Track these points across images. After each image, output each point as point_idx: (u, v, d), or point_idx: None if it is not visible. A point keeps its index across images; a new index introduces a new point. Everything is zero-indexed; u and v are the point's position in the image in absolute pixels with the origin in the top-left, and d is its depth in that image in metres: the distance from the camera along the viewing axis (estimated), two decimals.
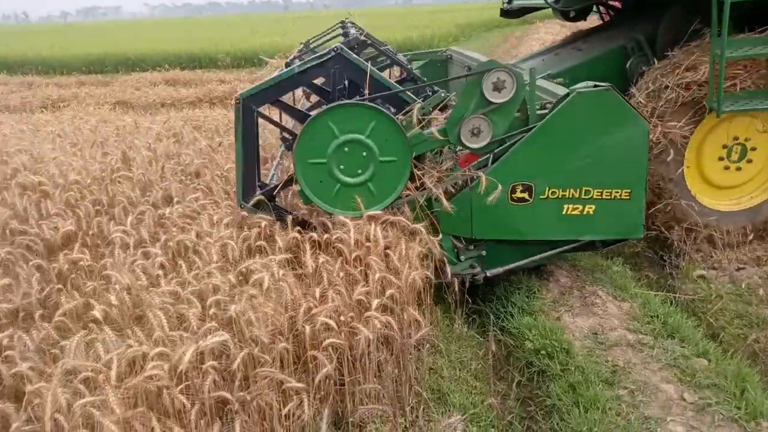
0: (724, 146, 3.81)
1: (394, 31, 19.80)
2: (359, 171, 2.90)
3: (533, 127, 2.91)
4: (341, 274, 2.68)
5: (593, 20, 6.02)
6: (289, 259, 2.80)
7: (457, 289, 3.05)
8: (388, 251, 2.71)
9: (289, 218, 2.97)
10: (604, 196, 2.95)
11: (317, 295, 2.51)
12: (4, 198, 3.77)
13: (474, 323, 3.41)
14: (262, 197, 3.07)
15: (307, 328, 2.29)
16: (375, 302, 2.47)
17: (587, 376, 2.65)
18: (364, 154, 2.86)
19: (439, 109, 3.28)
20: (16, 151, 4.73)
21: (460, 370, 2.93)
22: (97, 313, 2.35)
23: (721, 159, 3.84)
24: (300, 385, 2.16)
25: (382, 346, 2.61)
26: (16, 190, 3.86)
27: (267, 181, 3.43)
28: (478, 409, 2.63)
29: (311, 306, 2.41)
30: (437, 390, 2.74)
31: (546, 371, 2.78)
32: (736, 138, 3.78)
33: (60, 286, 2.76)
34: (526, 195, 2.97)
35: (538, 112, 2.97)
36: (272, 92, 2.99)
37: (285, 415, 2.17)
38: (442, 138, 2.92)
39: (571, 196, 2.96)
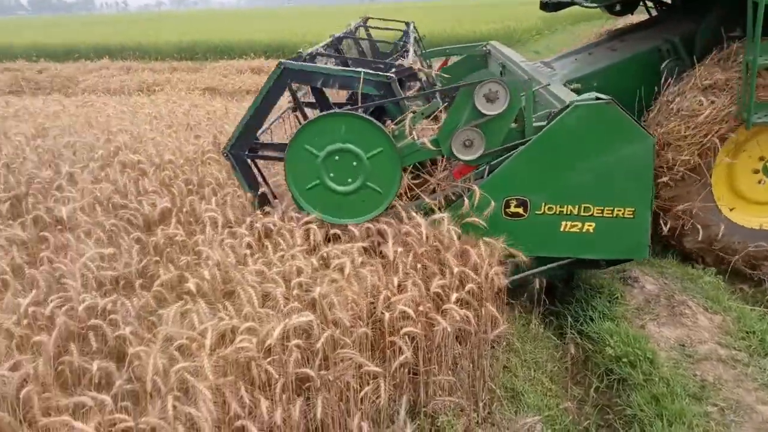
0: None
1: (479, 24, 19.47)
2: (355, 176, 2.87)
3: (530, 140, 2.80)
4: (418, 266, 2.71)
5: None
6: (366, 247, 2.86)
7: (536, 288, 2.99)
8: (467, 247, 2.70)
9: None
10: (605, 214, 2.79)
11: (395, 283, 2.55)
12: (107, 174, 4.07)
13: (551, 325, 3.33)
14: (266, 191, 3.22)
15: (387, 315, 2.33)
16: (454, 296, 2.48)
17: (672, 388, 2.53)
18: (353, 160, 2.84)
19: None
20: (118, 131, 5.09)
21: (534, 370, 2.87)
22: (191, 285, 2.50)
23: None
24: (378, 369, 2.20)
25: (458, 340, 2.62)
26: (118, 167, 4.15)
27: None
28: (553, 412, 2.57)
29: (390, 294, 2.44)
30: (511, 389, 2.71)
31: (627, 380, 2.67)
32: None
33: (157, 258, 2.95)
34: (520, 210, 2.85)
35: (535, 124, 2.87)
36: (315, 78, 3.04)
37: (361, 398, 2.22)
38: (434, 149, 2.86)
39: (569, 213, 2.82)
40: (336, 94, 4.25)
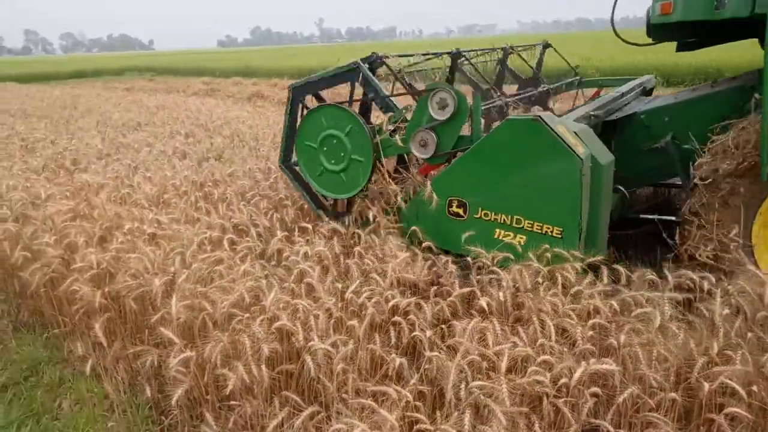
0: None
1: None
2: (342, 154, 3.42)
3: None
4: (748, 334, 2.25)
5: None
6: (680, 300, 2.51)
7: None
8: None
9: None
10: (534, 229, 2.82)
11: (715, 349, 2.16)
12: None
13: None
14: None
15: (705, 385, 1.98)
16: None
17: None
18: (337, 142, 3.41)
19: None
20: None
21: None
22: (483, 303, 2.54)
23: None
24: None
25: None
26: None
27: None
28: None
29: (711, 361, 2.08)
30: None
31: None
32: None
33: (445, 269, 3.09)
34: (461, 211, 3.02)
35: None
36: (311, 87, 3.66)
37: None
38: (402, 146, 3.23)
39: (502, 222, 2.91)
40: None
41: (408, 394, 1.99)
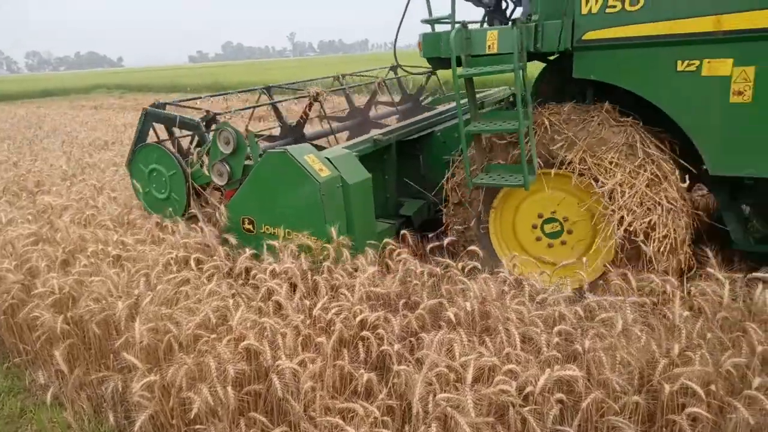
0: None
1: None
2: (159, 191, 4.06)
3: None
4: (708, 335, 2.31)
5: None
6: (641, 303, 2.56)
7: None
8: None
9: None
10: (300, 239, 3.30)
11: (676, 351, 2.21)
12: None
13: None
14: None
15: (666, 387, 2.02)
16: (756, 381, 2.03)
17: None
18: (162, 176, 3.99)
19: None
20: None
21: None
22: (450, 314, 2.55)
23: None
24: None
25: None
26: None
27: None
28: None
29: (672, 363, 2.12)
30: None
31: None
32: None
33: (417, 282, 3.10)
34: (251, 227, 3.55)
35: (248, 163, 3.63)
36: (157, 118, 4.26)
37: None
38: (208, 174, 3.81)
39: (279, 234, 3.43)
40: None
41: (375, 410, 1.99)
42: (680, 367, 2.09)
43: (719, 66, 2.73)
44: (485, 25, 3.93)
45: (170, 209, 3.98)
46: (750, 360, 2.16)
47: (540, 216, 3.39)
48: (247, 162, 3.66)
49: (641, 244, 2.92)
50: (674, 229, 2.96)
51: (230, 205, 3.62)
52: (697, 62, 2.78)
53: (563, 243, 3.34)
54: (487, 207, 3.55)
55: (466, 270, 2.98)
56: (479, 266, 2.99)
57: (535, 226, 3.42)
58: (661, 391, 2.02)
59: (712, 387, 2.01)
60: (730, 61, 2.70)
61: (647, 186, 2.99)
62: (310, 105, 4.78)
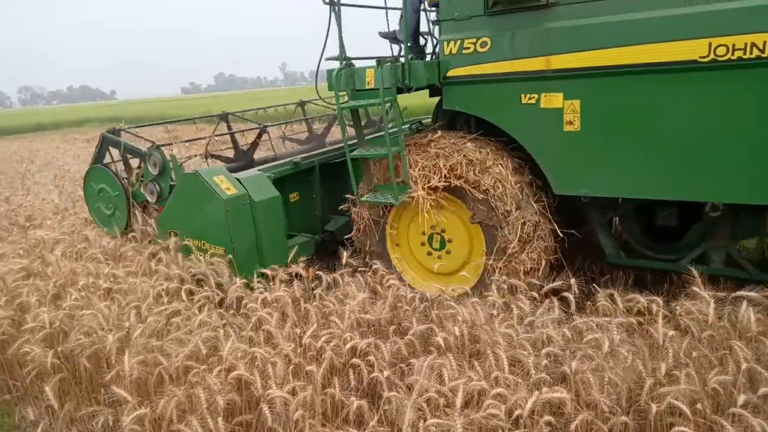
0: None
1: None
2: (107, 207, 4.59)
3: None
4: (693, 354, 2.34)
5: None
6: (629, 323, 2.59)
7: None
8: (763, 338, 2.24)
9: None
10: (212, 250, 3.75)
11: (663, 371, 2.23)
12: None
13: None
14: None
15: (653, 407, 2.04)
16: (741, 398, 2.05)
17: None
18: (108, 195, 4.52)
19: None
20: None
21: None
22: (439, 339, 2.57)
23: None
24: None
25: None
26: None
27: None
28: None
29: (658, 382, 2.14)
30: None
31: None
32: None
33: (407, 307, 3.12)
34: (178, 239, 3.89)
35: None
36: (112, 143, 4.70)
37: None
38: (143, 193, 4.29)
39: (197, 246, 3.84)
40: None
41: None
42: (667, 386, 2.11)
43: (553, 99, 3.11)
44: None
45: (115, 225, 4.53)
46: (736, 377, 2.19)
47: (424, 233, 3.72)
48: (172, 183, 4.12)
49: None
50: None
51: (159, 219, 4.13)
52: (536, 96, 3.16)
53: (449, 252, 3.65)
54: (383, 228, 3.87)
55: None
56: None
57: (423, 243, 3.75)
58: (649, 411, 2.04)
59: (699, 405, 2.03)
60: (561, 95, 3.08)
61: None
62: (260, 134, 5.29)
